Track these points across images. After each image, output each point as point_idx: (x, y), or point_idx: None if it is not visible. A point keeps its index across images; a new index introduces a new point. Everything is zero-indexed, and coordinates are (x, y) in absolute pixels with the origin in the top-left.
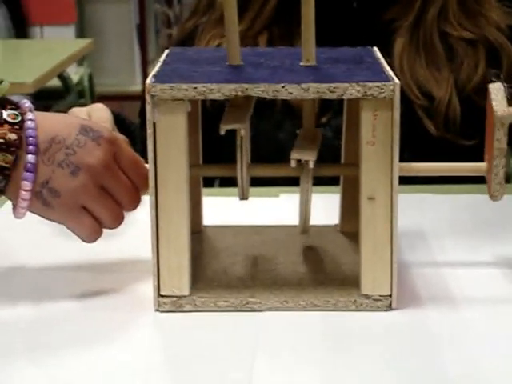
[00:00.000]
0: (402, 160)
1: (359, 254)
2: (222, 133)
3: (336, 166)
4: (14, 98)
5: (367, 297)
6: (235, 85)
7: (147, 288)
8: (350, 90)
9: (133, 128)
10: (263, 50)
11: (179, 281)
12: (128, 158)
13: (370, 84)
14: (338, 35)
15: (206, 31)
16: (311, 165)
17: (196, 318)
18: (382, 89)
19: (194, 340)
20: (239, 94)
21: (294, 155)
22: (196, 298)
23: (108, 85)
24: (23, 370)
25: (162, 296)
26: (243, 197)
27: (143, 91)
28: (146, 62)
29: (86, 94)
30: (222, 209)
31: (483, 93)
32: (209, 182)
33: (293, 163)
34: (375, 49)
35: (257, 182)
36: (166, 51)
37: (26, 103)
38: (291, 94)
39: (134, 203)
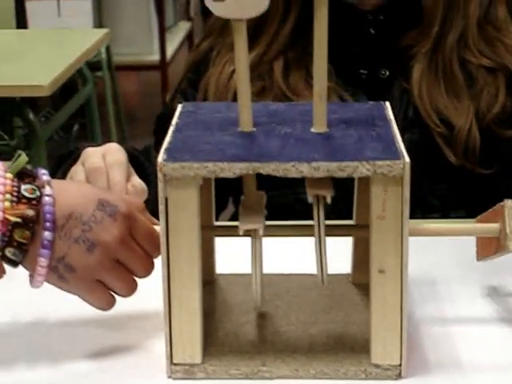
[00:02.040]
0: (419, 187)
1: (370, 321)
2: (241, 233)
3: (348, 227)
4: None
5: (377, 366)
6: (246, 164)
7: (160, 347)
8: (361, 169)
9: (146, 166)
10: (275, 106)
11: (191, 350)
12: (143, 229)
13: (380, 163)
14: (355, 62)
15: (221, 55)
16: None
17: None
18: (391, 167)
19: None
20: (250, 172)
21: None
22: (208, 367)
23: (125, 54)
24: None
25: (175, 364)
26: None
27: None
28: (164, 29)
29: (103, 66)
30: (235, 248)
31: (503, 122)
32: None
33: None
34: (387, 105)
35: (271, 214)
36: (179, 108)
37: (44, 175)
38: (302, 172)
39: (148, 271)
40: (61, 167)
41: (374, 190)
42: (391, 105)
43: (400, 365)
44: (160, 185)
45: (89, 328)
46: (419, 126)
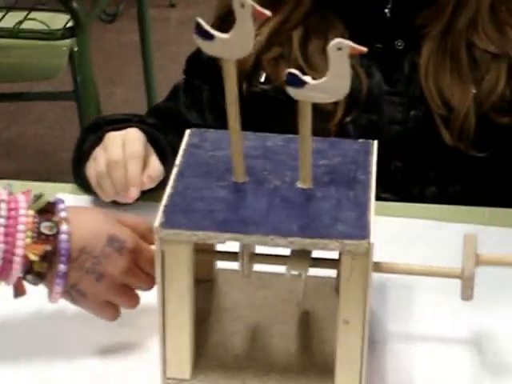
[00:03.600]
0: (414, 165)
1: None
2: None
3: (332, 261)
4: None
5: None
6: (230, 234)
7: (156, 351)
8: (331, 246)
9: (164, 145)
10: (271, 143)
11: (182, 368)
12: (146, 258)
13: (348, 241)
14: (371, 38)
15: None
16: (303, 277)
17: None
18: (358, 246)
19: None
20: (233, 241)
21: (288, 267)
22: (195, 382)
23: None
24: None
25: (168, 378)
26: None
27: None
28: None
29: None
30: None
31: (500, 110)
32: None
33: (287, 274)
34: (374, 147)
35: None
36: (186, 135)
37: (62, 212)
38: (278, 244)
39: (150, 287)
40: (87, 139)
41: (343, 258)
42: (401, 81)
43: None
44: (157, 243)
45: (95, 324)
46: (423, 105)
